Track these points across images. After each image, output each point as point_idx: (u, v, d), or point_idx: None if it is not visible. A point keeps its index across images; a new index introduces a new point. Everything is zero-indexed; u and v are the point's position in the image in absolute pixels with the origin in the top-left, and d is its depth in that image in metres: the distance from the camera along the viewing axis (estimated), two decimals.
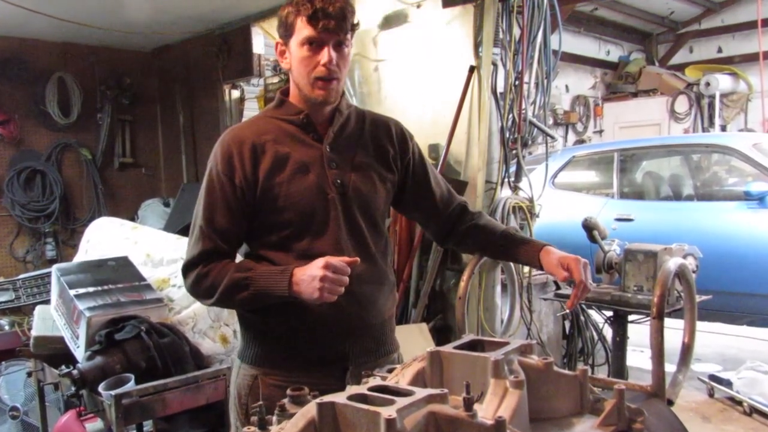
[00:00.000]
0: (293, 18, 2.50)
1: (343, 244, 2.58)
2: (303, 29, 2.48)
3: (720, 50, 16.96)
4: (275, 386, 2.52)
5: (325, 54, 2.48)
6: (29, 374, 4.68)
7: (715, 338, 8.07)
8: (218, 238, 2.55)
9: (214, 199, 2.56)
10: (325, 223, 2.57)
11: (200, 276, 2.53)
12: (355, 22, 2.57)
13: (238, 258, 2.67)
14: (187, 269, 2.58)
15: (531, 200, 6.00)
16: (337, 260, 2.33)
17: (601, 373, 5.74)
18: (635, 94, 17.27)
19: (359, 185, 2.64)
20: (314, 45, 2.49)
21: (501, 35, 5.70)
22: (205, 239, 2.55)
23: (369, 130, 2.77)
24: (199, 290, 2.58)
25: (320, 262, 2.33)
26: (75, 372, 3.62)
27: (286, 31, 2.55)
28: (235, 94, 9.96)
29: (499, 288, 5.92)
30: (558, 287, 5.84)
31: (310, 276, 2.34)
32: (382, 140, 2.77)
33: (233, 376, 2.79)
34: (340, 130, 2.68)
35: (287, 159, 2.56)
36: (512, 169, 5.99)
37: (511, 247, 2.81)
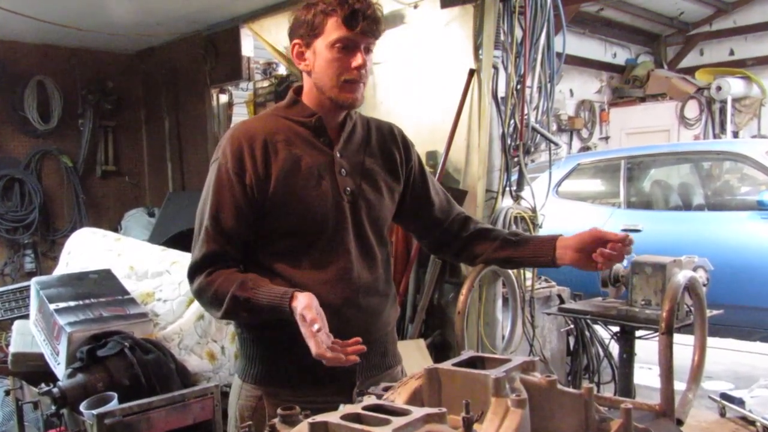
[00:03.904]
0: (322, 18, 2.49)
1: (352, 254, 2.60)
2: (336, 30, 2.48)
3: (732, 53, 16.99)
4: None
5: (359, 57, 2.50)
6: (7, 393, 4.68)
7: (727, 355, 8.08)
8: (225, 241, 2.53)
9: (221, 199, 2.53)
10: (336, 232, 2.58)
11: (203, 285, 2.51)
12: (383, 29, 2.59)
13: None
14: (192, 273, 2.57)
15: (534, 210, 6.01)
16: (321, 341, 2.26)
17: (608, 392, 5.74)
18: (643, 99, 17.28)
19: (368, 193, 2.67)
20: (346, 47, 2.50)
21: (502, 37, 5.71)
22: (211, 241, 2.53)
23: (376, 136, 2.79)
24: (202, 299, 2.58)
25: (312, 329, 2.27)
26: (55, 390, 3.62)
27: (312, 32, 2.53)
28: (223, 98, 9.97)
29: (500, 302, 5.92)
30: (562, 301, 5.84)
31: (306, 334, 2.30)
32: (389, 146, 2.80)
33: (233, 397, 2.77)
34: (350, 136, 2.70)
35: (300, 163, 2.56)
36: (514, 177, 5.99)
37: (519, 244, 2.82)
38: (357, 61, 2.50)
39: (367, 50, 2.54)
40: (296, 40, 2.61)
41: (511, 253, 2.84)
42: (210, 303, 2.55)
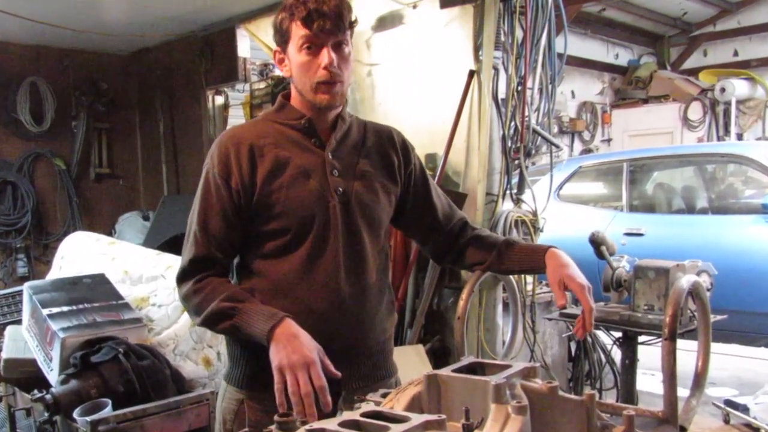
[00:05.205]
0: (288, 23, 2.52)
1: (341, 257, 2.59)
2: (299, 32, 2.50)
3: (736, 53, 16.98)
4: (263, 411, 2.51)
5: (325, 56, 2.49)
6: None
7: (731, 361, 8.08)
8: (212, 245, 2.55)
9: (209, 203, 2.56)
10: (324, 232, 2.57)
11: (191, 292, 2.53)
12: (353, 19, 2.58)
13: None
14: (180, 278, 2.59)
15: (534, 213, 6.01)
16: (319, 374, 2.29)
17: (610, 398, 5.75)
18: (646, 101, 17.27)
19: (362, 194, 2.65)
20: (312, 48, 2.50)
21: (502, 37, 5.71)
22: (199, 245, 2.54)
23: (372, 139, 2.79)
24: (188, 305, 2.59)
25: (312, 354, 2.31)
26: (48, 397, 3.62)
27: (283, 38, 2.57)
28: (219, 100, 9.96)
29: (500, 307, 5.92)
30: (563, 306, 5.83)
31: (295, 349, 2.31)
32: (386, 149, 2.79)
33: (219, 400, 2.79)
34: (343, 137, 2.69)
35: (287, 163, 2.57)
36: (514, 180, 5.99)
37: (514, 252, 2.82)
38: (324, 60, 2.49)
39: (338, 46, 2.53)
40: (276, 48, 2.65)
41: (506, 265, 2.87)
42: (193, 309, 2.56)
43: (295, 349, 2.30)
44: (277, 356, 2.31)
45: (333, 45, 2.51)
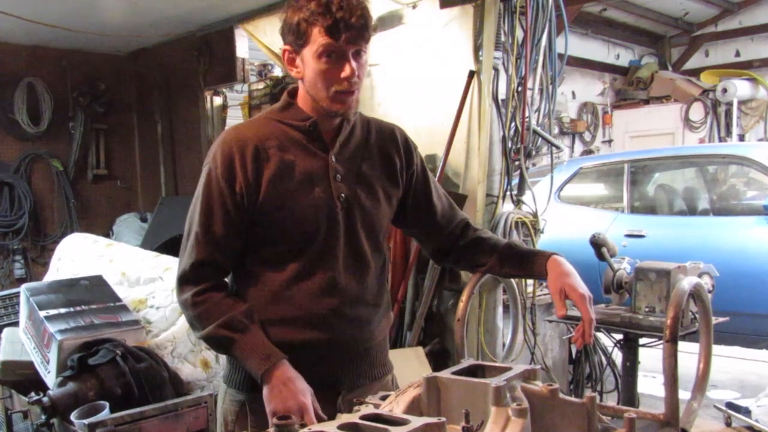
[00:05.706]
0: (307, 26, 2.43)
1: (339, 263, 2.58)
2: (320, 40, 2.42)
3: (738, 54, 16.95)
4: (264, 412, 2.50)
5: (347, 68, 2.44)
6: None
7: (733, 363, 8.07)
8: (215, 248, 2.52)
9: (211, 205, 2.52)
10: (327, 240, 2.56)
11: (190, 303, 2.51)
12: (375, 26, 2.55)
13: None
14: (181, 282, 2.56)
15: (535, 215, 6.00)
16: (312, 419, 2.35)
17: (611, 401, 5.74)
18: (647, 101, 17.23)
19: (364, 200, 2.63)
20: (333, 56, 2.44)
21: (503, 38, 5.71)
22: (201, 248, 2.52)
23: (375, 139, 2.75)
24: (186, 313, 2.59)
25: (306, 399, 2.39)
26: (45, 399, 3.62)
27: (298, 40, 2.48)
28: (218, 101, 9.95)
29: (500, 309, 5.92)
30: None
31: (290, 395, 2.38)
32: (389, 151, 2.76)
33: (219, 402, 2.79)
34: (347, 140, 2.66)
35: (292, 169, 2.54)
36: (515, 181, 5.99)
37: (515, 256, 2.81)
38: (345, 72, 2.44)
39: (357, 55, 2.48)
40: (286, 47, 2.57)
41: (507, 270, 2.88)
42: (191, 321, 2.58)
43: (290, 394, 2.36)
44: (272, 401, 2.38)
45: (353, 54, 2.47)
